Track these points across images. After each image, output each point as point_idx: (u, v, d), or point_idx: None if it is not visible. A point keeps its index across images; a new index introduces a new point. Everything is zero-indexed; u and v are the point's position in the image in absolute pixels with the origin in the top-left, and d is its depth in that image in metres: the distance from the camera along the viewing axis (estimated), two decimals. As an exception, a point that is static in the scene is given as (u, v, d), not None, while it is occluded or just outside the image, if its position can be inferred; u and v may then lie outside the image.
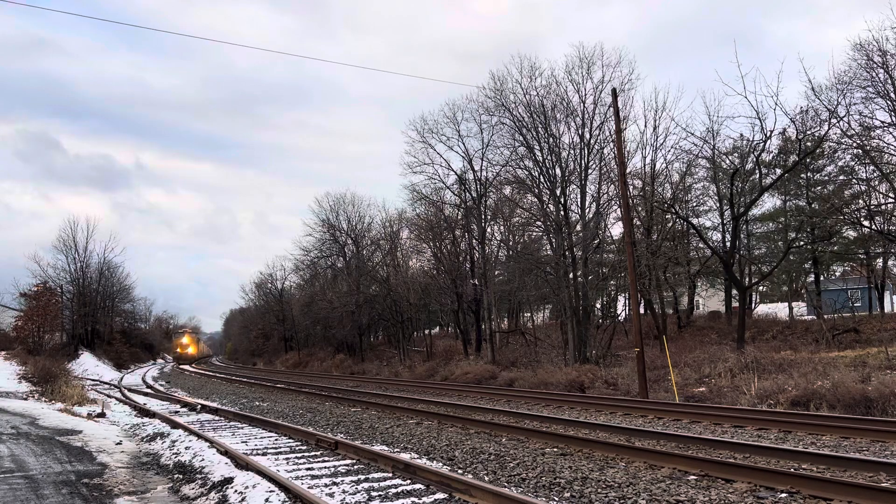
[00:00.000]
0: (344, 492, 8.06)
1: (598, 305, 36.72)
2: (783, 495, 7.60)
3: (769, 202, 39.78)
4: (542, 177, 32.07)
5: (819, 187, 35.97)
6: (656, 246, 31.27)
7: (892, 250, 35.43)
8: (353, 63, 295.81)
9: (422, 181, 50.25)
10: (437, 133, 39.92)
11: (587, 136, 30.64)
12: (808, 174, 35.95)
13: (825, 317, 32.84)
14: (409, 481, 8.59)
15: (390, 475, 9.04)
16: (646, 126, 34.74)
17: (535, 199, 34.13)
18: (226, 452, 10.76)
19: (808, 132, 27.72)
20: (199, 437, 12.76)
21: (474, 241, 41.91)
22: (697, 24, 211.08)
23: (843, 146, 29.89)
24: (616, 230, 35.04)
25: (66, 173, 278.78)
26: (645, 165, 32.46)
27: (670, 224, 33.86)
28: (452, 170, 41.10)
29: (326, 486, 8.45)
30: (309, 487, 8.17)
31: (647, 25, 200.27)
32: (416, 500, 7.63)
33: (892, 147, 28.31)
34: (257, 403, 22.37)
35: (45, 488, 8.59)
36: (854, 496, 7.21)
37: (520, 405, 19.34)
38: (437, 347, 47.63)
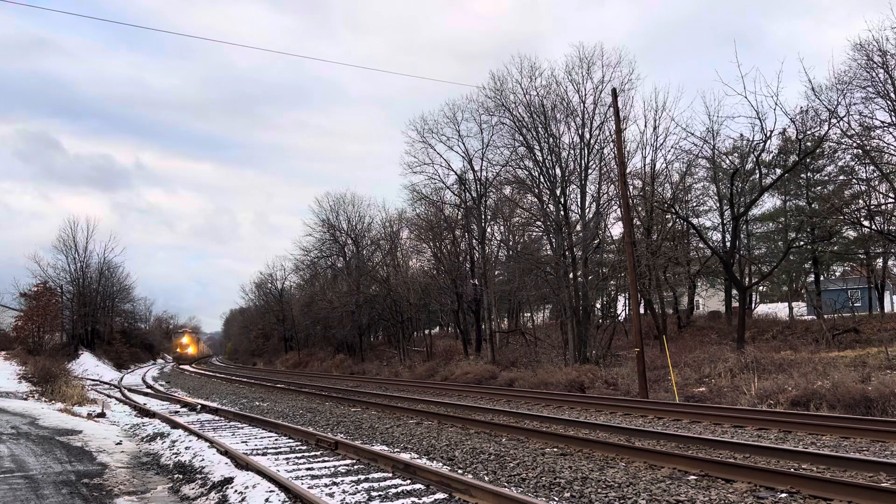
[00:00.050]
0: (344, 492, 8.06)
1: (598, 305, 36.72)
2: (783, 495, 7.60)
3: (769, 202, 39.85)
4: (542, 177, 32.08)
5: (819, 187, 35.97)
6: (656, 246, 31.27)
7: (892, 250, 35.43)
8: (353, 63, 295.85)
9: (422, 181, 50.31)
10: (437, 133, 39.96)
11: (587, 136, 30.67)
12: (808, 174, 35.95)
13: (825, 317, 32.83)
14: (409, 481, 8.59)
15: (390, 475, 9.04)
16: (646, 126, 34.78)
17: (535, 199, 34.14)
18: (226, 452, 10.76)
19: (808, 132, 27.74)
20: (199, 437, 12.76)
21: (474, 241, 41.91)
22: (697, 24, 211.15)
23: (843, 146, 29.91)
24: (616, 230, 35.09)
25: (66, 173, 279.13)
26: (645, 165, 32.50)
27: (670, 224, 33.86)
28: (452, 170, 41.16)
29: (326, 486, 8.45)
30: (309, 487, 8.17)
31: (647, 25, 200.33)
32: (416, 500, 7.63)
33: (892, 147, 28.33)
34: (257, 403, 22.37)
35: (45, 488, 8.59)
36: (854, 496, 7.21)
37: (520, 405, 19.34)
38: (437, 347, 47.63)
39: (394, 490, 8.12)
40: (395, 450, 11.27)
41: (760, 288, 49.18)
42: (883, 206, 31.70)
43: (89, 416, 17.83)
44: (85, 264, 63.67)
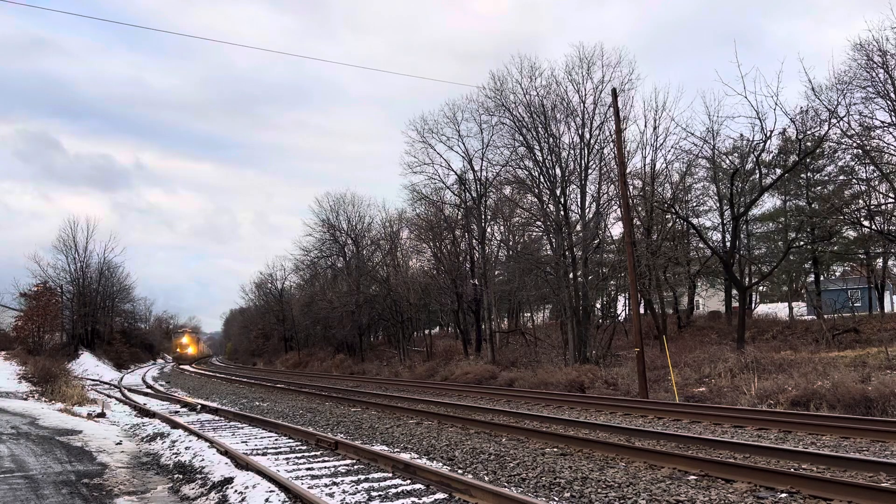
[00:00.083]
0: (344, 492, 8.06)
1: (598, 305, 36.71)
2: (783, 495, 7.60)
3: (769, 202, 39.85)
4: (542, 177, 32.07)
5: (819, 187, 35.97)
6: (656, 246, 31.27)
7: (892, 250, 35.43)
8: (353, 63, 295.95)
9: (422, 181, 50.31)
10: (437, 133, 39.96)
11: (587, 136, 30.66)
12: (808, 174, 35.95)
13: (825, 317, 32.83)
14: (409, 481, 8.59)
15: (390, 475, 9.04)
16: (646, 126, 34.78)
17: (535, 199, 34.13)
18: (226, 452, 10.76)
19: (808, 132, 27.74)
20: (199, 437, 12.76)
21: (474, 241, 41.91)
22: (697, 24, 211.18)
23: (843, 146, 29.92)
24: (616, 230, 35.08)
25: (66, 173, 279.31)
26: (645, 165, 32.50)
27: (670, 224, 33.86)
28: (452, 170, 41.15)
29: (326, 486, 8.45)
30: (309, 487, 8.17)
31: (647, 25, 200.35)
32: (416, 500, 7.63)
33: (892, 147, 28.33)
34: (257, 403, 22.37)
35: (45, 488, 8.59)
36: (854, 496, 7.21)
37: (520, 405, 19.34)
38: (437, 347, 47.63)
39: (394, 490, 8.12)
40: (395, 450, 11.27)
41: (760, 288, 49.18)
42: (883, 206, 31.71)
43: (89, 416, 17.83)
44: (85, 264, 63.77)
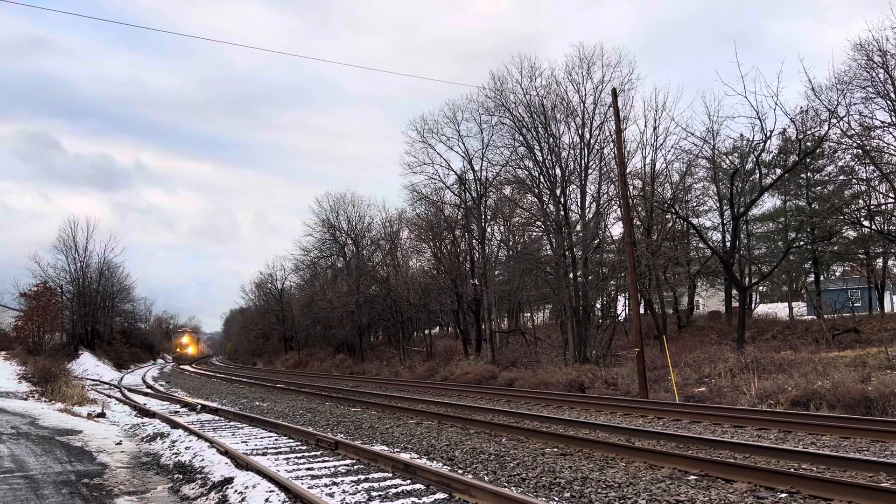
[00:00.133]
0: (344, 492, 8.06)
1: (598, 305, 36.71)
2: (783, 495, 7.60)
3: (769, 202, 39.86)
4: (542, 177, 32.07)
5: (819, 187, 35.97)
6: (656, 246, 31.27)
7: (892, 250, 35.43)
8: (353, 63, 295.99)
9: (422, 181, 50.32)
10: (437, 133, 39.97)
11: (587, 136, 30.66)
12: (808, 174, 35.95)
13: (825, 317, 32.83)
14: (409, 481, 8.59)
15: (390, 475, 9.04)
16: (646, 126, 34.78)
17: (535, 199, 34.14)
18: (226, 452, 10.76)
19: (808, 132, 27.74)
20: (199, 437, 12.76)
21: (474, 241, 41.91)
22: (697, 24, 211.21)
23: (843, 146, 29.92)
24: (616, 230, 35.08)
25: (65, 173, 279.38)
26: (645, 165, 32.51)
27: (670, 224, 33.86)
28: (452, 170, 41.16)
29: (326, 486, 8.45)
30: (309, 487, 8.17)
31: (647, 25, 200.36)
32: (416, 500, 7.63)
33: (892, 147, 28.34)
34: (257, 403, 22.37)
35: (45, 488, 8.59)
36: (854, 496, 7.21)
37: (520, 405, 19.34)
38: (437, 347, 47.63)
39: (394, 490, 8.12)
40: (395, 450, 11.27)
41: (760, 288, 49.19)
42: (883, 206, 31.71)
43: (89, 416, 17.83)
44: (85, 264, 63.78)
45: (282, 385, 31.79)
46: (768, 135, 26.53)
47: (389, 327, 56.75)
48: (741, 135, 32.61)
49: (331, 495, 7.84)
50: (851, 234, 35.93)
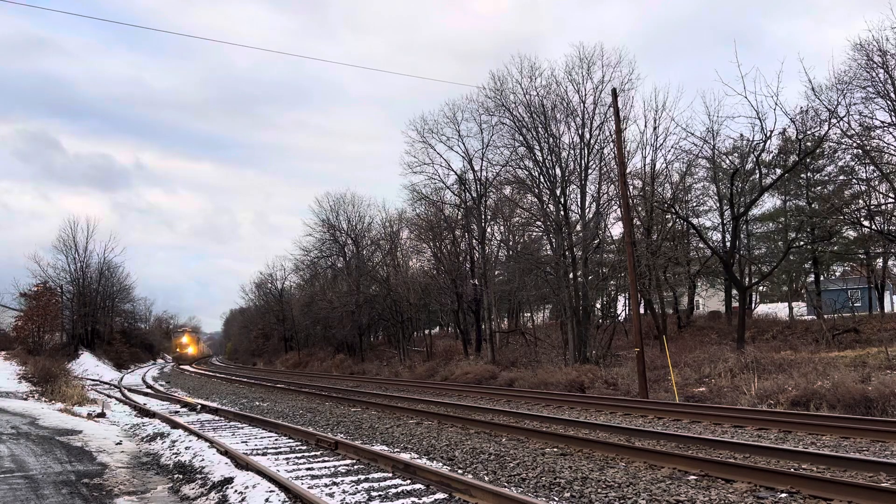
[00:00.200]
0: (344, 492, 8.06)
1: (598, 305, 36.71)
2: (783, 495, 7.60)
3: (769, 202, 39.87)
4: (542, 177, 32.08)
5: (819, 187, 35.97)
6: (656, 246, 31.27)
7: (892, 250, 35.43)
8: (353, 63, 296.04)
9: (422, 181, 50.34)
10: (437, 133, 39.98)
11: (587, 136, 30.66)
12: (808, 174, 35.95)
13: (825, 317, 32.84)
14: (409, 481, 8.59)
15: (390, 475, 9.04)
16: (646, 126, 34.79)
17: (535, 199, 34.14)
18: (226, 452, 10.76)
19: (808, 132, 27.75)
20: (199, 437, 12.76)
21: (474, 241, 41.91)
22: (697, 24, 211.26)
23: (843, 146, 29.94)
24: (616, 230, 35.09)
25: (65, 173, 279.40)
26: (645, 165, 32.51)
27: (670, 224, 33.86)
28: (452, 170, 41.17)
29: (326, 486, 8.45)
30: (309, 487, 8.17)
31: (647, 25, 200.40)
32: (416, 500, 7.63)
33: (892, 147, 28.34)
34: (257, 403, 22.37)
35: (45, 488, 8.59)
36: (854, 496, 7.21)
37: (520, 405, 19.34)
38: (437, 347, 47.63)
39: (394, 490, 8.12)
40: (395, 450, 11.27)
41: (760, 288, 49.19)
42: (883, 206, 31.72)
43: (89, 416, 17.83)
44: (85, 264, 63.79)
45: (282, 385, 31.80)
46: (768, 135, 26.57)
47: (389, 327, 56.75)
48: (741, 135, 32.68)
49: (331, 495, 7.84)
50: (851, 234, 35.95)
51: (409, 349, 49.41)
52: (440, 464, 9.92)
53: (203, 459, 10.13)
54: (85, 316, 63.22)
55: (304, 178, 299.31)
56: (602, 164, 31.14)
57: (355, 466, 9.85)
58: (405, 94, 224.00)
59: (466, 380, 30.26)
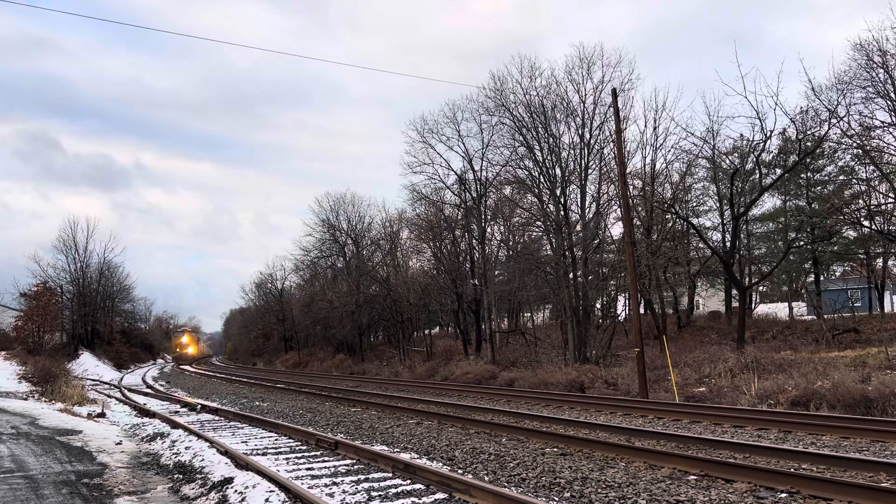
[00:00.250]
0: (344, 492, 8.06)
1: (598, 305, 36.72)
2: (783, 495, 7.60)
3: (769, 202, 39.88)
4: (542, 177, 32.08)
5: (819, 187, 35.98)
6: (656, 246, 31.27)
7: (892, 250, 35.43)
8: (353, 63, 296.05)
9: (422, 181, 50.36)
10: (437, 133, 39.98)
11: (587, 136, 30.67)
12: (808, 174, 35.95)
13: (825, 317, 32.84)
14: (409, 481, 8.59)
15: (390, 475, 9.04)
16: (646, 126, 34.79)
17: (535, 199, 34.15)
18: (226, 452, 10.76)
19: (808, 132, 27.75)
20: (199, 437, 12.76)
21: (474, 241, 41.92)
22: (697, 24, 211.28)
23: (843, 146, 29.94)
24: (616, 230, 35.09)
25: (65, 173, 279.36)
26: (645, 165, 32.51)
27: (670, 224, 33.86)
28: (452, 170, 41.17)
29: (326, 486, 8.45)
30: (309, 487, 8.17)
31: (647, 25, 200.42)
32: (416, 500, 7.63)
33: (892, 147, 28.34)
34: (257, 403, 22.37)
35: (45, 488, 8.59)
36: (854, 496, 7.21)
37: (520, 405, 19.34)
38: (437, 347, 47.63)
39: (394, 490, 8.12)
40: (395, 450, 11.27)
41: (760, 288, 49.20)
42: (883, 206, 31.72)
43: (89, 416, 17.83)
44: (85, 264, 63.79)
45: (282, 385, 31.80)
46: (768, 135, 26.57)
47: (389, 327, 56.75)
48: (741, 135, 32.68)
49: (331, 495, 7.84)
50: (851, 234, 35.95)
51: (409, 349, 49.41)
52: (440, 464, 9.92)
53: (203, 459, 10.13)
54: (85, 316, 63.22)
55: (304, 178, 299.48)
56: (602, 164, 31.16)
57: (355, 466, 9.85)
58: (405, 94, 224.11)
59: (466, 380, 30.26)
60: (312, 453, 11.23)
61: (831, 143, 29.61)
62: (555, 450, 11.06)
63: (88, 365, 49.02)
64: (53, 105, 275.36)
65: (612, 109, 24.23)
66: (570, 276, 30.52)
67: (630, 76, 32.75)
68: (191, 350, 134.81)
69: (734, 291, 36.95)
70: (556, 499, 7.74)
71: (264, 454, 11.11)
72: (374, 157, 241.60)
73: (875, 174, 30.95)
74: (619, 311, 42.97)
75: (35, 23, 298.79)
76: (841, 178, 34.16)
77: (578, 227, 31.69)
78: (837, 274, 44.02)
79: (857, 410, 14.24)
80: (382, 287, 51.51)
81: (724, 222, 35.33)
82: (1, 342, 47.37)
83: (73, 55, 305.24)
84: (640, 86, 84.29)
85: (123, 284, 76.48)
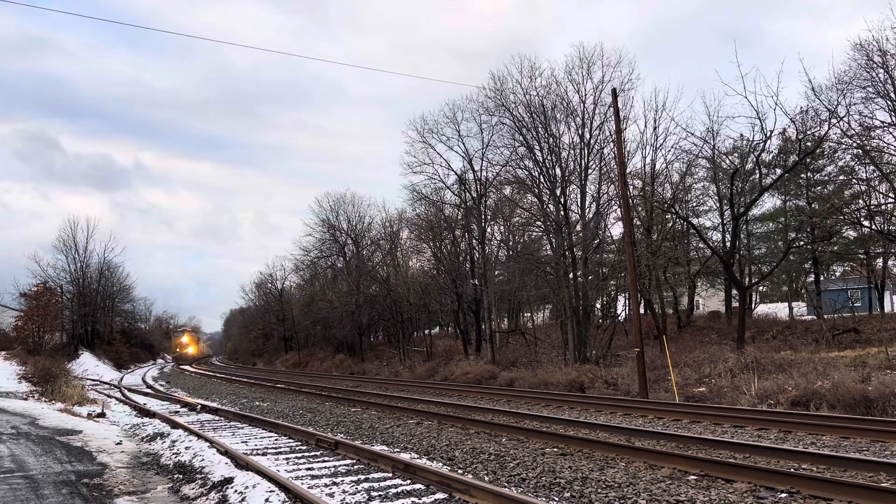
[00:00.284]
0: (344, 492, 8.06)
1: (598, 305, 36.72)
2: (783, 495, 7.60)
3: (769, 202, 39.87)
4: (542, 177, 32.07)
5: (819, 187, 35.98)
6: (656, 246, 31.26)
7: (892, 250, 35.43)
8: (353, 63, 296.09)
9: (422, 181, 50.35)
10: (437, 133, 39.98)
11: (587, 136, 30.66)
12: (808, 174, 35.95)
13: (825, 317, 32.83)
14: (409, 481, 8.59)
15: (390, 475, 9.04)
16: (646, 126, 34.78)
17: (535, 199, 34.14)
18: (226, 452, 10.76)
19: (808, 132, 27.74)
20: (200, 437, 12.76)
21: (474, 241, 41.91)
22: (697, 24, 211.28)
23: (843, 146, 29.93)
24: (616, 230, 35.09)
25: (65, 173, 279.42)
26: (645, 165, 32.50)
27: (670, 224, 33.86)
28: (452, 170, 41.17)
29: (326, 486, 8.45)
30: (309, 487, 8.17)
31: (647, 25, 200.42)
32: (416, 500, 7.63)
33: (892, 147, 28.33)
34: (257, 403, 22.37)
35: (45, 488, 8.59)
36: (854, 496, 7.21)
37: (520, 405, 19.34)
38: (437, 347, 47.63)
39: (394, 490, 8.12)
40: (395, 450, 11.27)
41: (760, 288, 49.18)
42: (883, 206, 31.71)
43: (89, 416, 17.83)
44: (85, 264, 63.78)
45: (282, 385, 31.79)
46: (768, 135, 26.56)
47: (389, 327, 56.75)
48: (741, 135, 32.67)
49: (331, 495, 7.84)
50: (851, 234, 35.94)
51: (409, 349, 49.40)
52: (440, 464, 9.92)
53: (203, 459, 10.13)
54: (85, 316, 63.22)
55: (304, 178, 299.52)
56: (602, 164, 31.15)
57: (355, 466, 9.85)
58: (405, 94, 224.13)
59: (466, 380, 30.25)
60: (312, 453, 11.23)
61: (831, 143, 29.63)
62: (555, 450, 11.06)
63: (88, 365, 49.02)
64: (53, 105, 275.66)
65: (612, 109, 24.23)
66: (570, 276, 30.52)
67: (630, 76, 32.80)
68: (191, 350, 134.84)
69: (734, 291, 36.96)
70: (556, 499, 7.74)
71: (264, 454, 11.11)
72: (374, 157, 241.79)
73: (875, 174, 30.96)
74: (619, 311, 42.98)
75: (35, 23, 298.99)
76: (841, 178, 34.17)
77: (578, 227, 31.69)
78: (837, 274, 44.02)
79: (857, 410, 14.24)
80: (382, 287, 51.51)
81: (724, 222, 35.35)
82: (1, 342, 47.38)
83: (73, 55, 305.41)
84: (640, 86, 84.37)
85: (123, 284, 76.59)
